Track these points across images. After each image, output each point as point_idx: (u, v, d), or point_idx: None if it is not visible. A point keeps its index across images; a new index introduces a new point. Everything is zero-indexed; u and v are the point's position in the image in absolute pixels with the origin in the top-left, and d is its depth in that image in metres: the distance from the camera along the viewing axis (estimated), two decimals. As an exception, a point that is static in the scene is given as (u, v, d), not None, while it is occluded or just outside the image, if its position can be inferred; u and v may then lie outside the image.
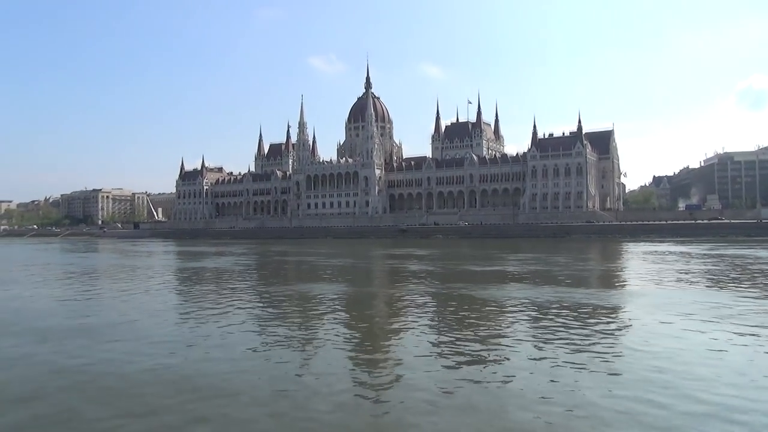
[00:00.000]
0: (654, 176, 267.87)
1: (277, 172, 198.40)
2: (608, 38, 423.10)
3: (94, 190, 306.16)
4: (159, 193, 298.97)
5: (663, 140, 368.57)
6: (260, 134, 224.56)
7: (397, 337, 21.73)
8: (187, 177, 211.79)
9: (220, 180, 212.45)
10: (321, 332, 23.03)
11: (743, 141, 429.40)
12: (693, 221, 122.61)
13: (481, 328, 22.98)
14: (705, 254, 62.88)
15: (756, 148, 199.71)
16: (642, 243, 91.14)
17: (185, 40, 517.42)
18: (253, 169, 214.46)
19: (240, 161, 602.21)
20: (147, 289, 39.11)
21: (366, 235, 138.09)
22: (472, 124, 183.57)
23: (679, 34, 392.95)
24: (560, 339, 19.82)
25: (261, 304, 31.09)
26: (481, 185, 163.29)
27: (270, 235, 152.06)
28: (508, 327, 22.94)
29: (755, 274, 41.11)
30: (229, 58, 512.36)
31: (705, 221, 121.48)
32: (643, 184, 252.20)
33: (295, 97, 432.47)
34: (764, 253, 61.57)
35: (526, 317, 24.84)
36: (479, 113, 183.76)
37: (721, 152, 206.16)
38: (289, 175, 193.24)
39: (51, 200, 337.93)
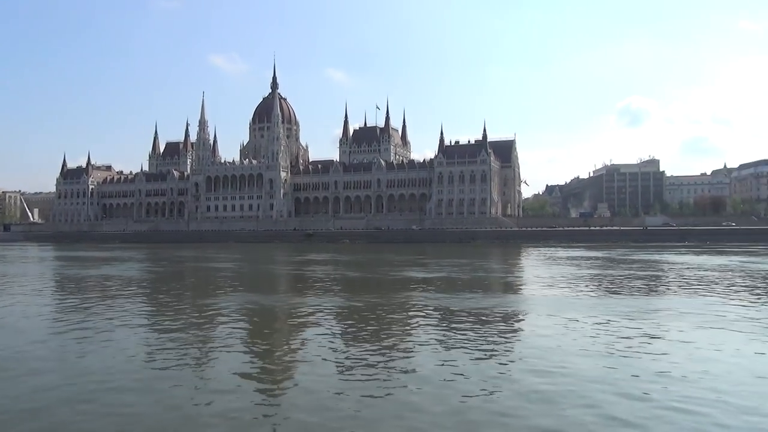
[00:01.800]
0: (547, 185, 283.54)
1: (174, 172, 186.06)
2: (505, 54, 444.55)
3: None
4: (35, 193, 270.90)
5: (554, 152, 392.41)
6: (156, 132, 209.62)
7: (298, 348, 20.40)
8: (69, 175, 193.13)
9: (109, 179, 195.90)
10: (217, 345, 20.65)
11: (625, 154, 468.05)
12: (587, 227, 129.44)
13: (384, 335, 22.18)
14: (605, 258, 65.16)
15: (638, 161, 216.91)
16: (546, 248, 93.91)
17: (71, 26, 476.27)
18: (146, 168, 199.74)
19: (131, 160, 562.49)
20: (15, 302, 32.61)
21: (270, 240, 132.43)
22: (380, 129, 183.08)
23: (568, 54, 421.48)
24: (461, 345, 19.58)
25: (150, 318, 26.50)
26: (388, 190, 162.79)
27: (165, 239, 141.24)
28: (410, 333, 22.46)
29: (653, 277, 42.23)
30: (121, 50, 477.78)
31: (597, 228, 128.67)
32: (536, 193, 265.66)
33: (195, 95, 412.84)
34: (657, 257, 65.02)
35: (430, 323, 24.35)
36: (387, 119, 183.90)
37: (609, 164, 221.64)
38: (188, 175, 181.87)
39: None
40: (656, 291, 36.02)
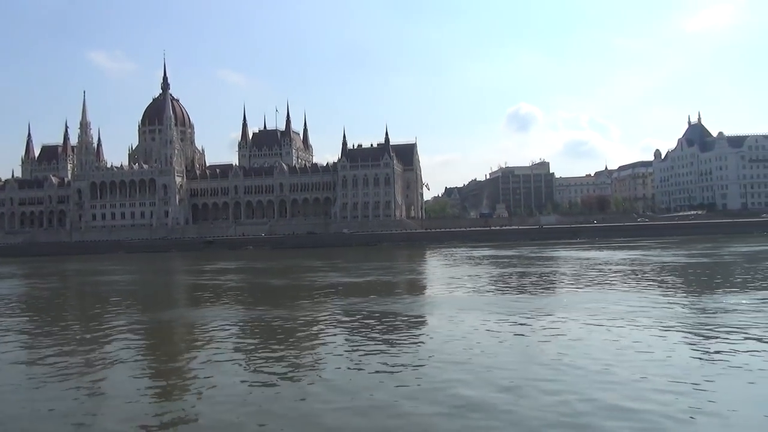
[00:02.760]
0: (446, 188, 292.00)
1: (53, 178, 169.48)
2: (404, 60, 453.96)
3: None
4: None
5: (450, 155, 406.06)
6: (29, 134, 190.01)
7: (199, 366, 18.93)
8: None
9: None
10: (110, 364, 19.17)
11: (516, 157, 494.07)
12: (488, 228, 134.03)
13: (290, 345, 21.59)
14: (508, 256, 67.16)
15: (530, 164, 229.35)
16: (451, 248, 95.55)
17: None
18: (19, 174, 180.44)
19: (1, 165, 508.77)
20: None
21: (167, 249, 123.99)
22: (281, 132, 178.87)
23: (463, 63, 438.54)
24: (371, 350, 19.40)
25: (34, 341, 22.71)
26: (291, 194, 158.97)
27: (45, 252, 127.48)
28: (317, 341, 22.10)
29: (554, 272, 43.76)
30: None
31: (497, 228, 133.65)
32: (436, 195, 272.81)
33: (74, 94, 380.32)
34: (557, 253, 68.06)
35: (338, 330, 24.06)
36: (288, 122, 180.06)
37: (504, 167, 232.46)
38: (68, 181, 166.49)
39: None
40: (559, 286, 37.21)
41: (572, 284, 37.76)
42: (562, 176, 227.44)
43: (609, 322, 22.36)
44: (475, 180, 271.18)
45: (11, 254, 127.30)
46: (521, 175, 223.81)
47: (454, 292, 35.58)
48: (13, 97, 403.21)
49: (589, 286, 35.97)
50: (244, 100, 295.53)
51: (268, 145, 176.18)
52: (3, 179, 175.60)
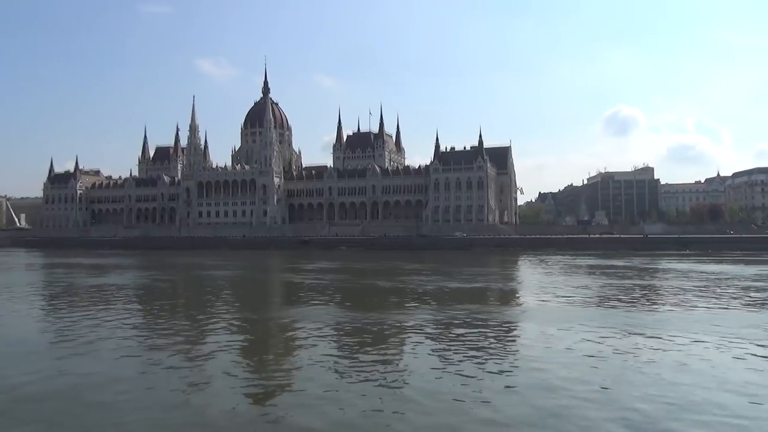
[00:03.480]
0: (540, 193, 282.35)
1: (165, 177, 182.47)
2: (497, 61, 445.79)
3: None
4: (22, 197, 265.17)
5: (543, 159, 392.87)
6: (145, 136, 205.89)
7: (292, 360, 20.07)
8: (57, 180, 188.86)
9: (97, 184, 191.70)
10: (212, 358, 19.49)
11: (614, 162, 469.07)
12: (586, 235, 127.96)
13: (383, 347, 21.73)
14: (612, 266, 63.46)
15: (632, 169, 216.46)
16: (548, 255, 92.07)
17: (59, 29, 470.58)
18: (136, 173, 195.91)
19: (121, 165, 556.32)
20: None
21: (265, 247, 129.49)
22: (375, 134, 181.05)
23: (558, 63, 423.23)
24: (463, 359, 19.07)
25: (146, 329, 24.22)
26: (383, 196, 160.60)
27: (156, 246, 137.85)
28: (406, 346, 21.92)
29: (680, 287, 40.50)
30: (110, 53, 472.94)
31: (597, 235, 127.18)
32: (529, 200, 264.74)
33: (184, 99, 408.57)
34: (673, 266, 63.43)
35: (430, 335, 23.83)
36: (381, 124, 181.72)
37: (603, 172, 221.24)
38: (179, 181, 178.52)
39: None
40: (679, 302, 34.35)
41: (701, 300, 34.59)
42: (668, 182, 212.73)
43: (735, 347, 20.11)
44: (572, 185, 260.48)
45: (129, 247, 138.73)
46: (622, 180, 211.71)
47: (566, 302, 34.01)
48: (133, 102, 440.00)
49: (720, 303, 32.85)
50: (339, 104, 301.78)
51: (361, 147, 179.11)
52: (123, 178, 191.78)
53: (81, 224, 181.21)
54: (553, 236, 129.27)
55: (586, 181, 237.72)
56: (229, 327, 26.14)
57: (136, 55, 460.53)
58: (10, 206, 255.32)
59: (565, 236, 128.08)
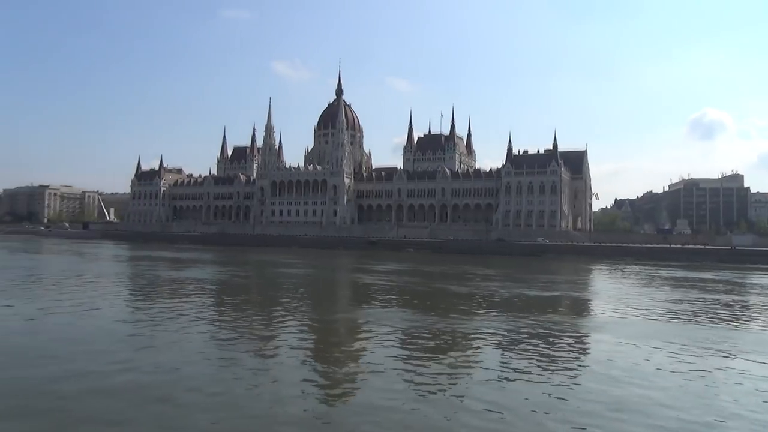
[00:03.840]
0: (616, 199, 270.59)
1: (241, 176, 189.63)
2: (571, 63, 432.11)
3: (40, 186, 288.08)
4: (112, 193, 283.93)
5: (619, 164, 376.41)
6: (224, 136, 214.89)
7: (358, 362, 20.37)
8: (143, 177, 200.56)
9: (179, 182, 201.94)
10: (280, 355, 20.20)
11: (697, 168, 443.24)
12: (667, 245, 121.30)
13: (450, 353, 21.46)
14: (698, 279, 59.67)
15: (720, 176, 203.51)
16: (626, 265, 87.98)
17: (145, 36, 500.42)
18: (215, 172, 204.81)
19: (201, 163, 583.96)
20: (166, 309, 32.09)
21: (334, 246, 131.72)
22: (445, 137, 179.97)
23: (635, 64, 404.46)
24: (528, 376, 18.10)
25: (224, 323, 24.99)
26: (453, 199, 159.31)
27: (232, 242, 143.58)
28: (478, 354, 21.43)
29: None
30: (191, 57, 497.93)
31: (679, 245, 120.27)
32: (604, 207, 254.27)
33: (260, 100, 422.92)
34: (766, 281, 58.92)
35: (501, 344, 23.30)
36: (453, 126, 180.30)
37: (686, 178, 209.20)
38: (254, 179, 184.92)
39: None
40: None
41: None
42: (759, 191, 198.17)
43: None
44: (651, 192, 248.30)
45: (206, 242, 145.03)
46: (707, 188, 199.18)
47: (650, 315, 32.28)
48: (214, 103, 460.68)
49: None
50: (411, 106, 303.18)
51: (432, 150, 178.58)
52: (203, 176, 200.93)
53: (163, 219, 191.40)
54: (631, 245, 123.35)
55: (667, 188, 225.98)
56: (301, 326, 26.67)
57: (218, 59, 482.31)
58: (101, 201, 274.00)
59: (645, 245, 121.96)
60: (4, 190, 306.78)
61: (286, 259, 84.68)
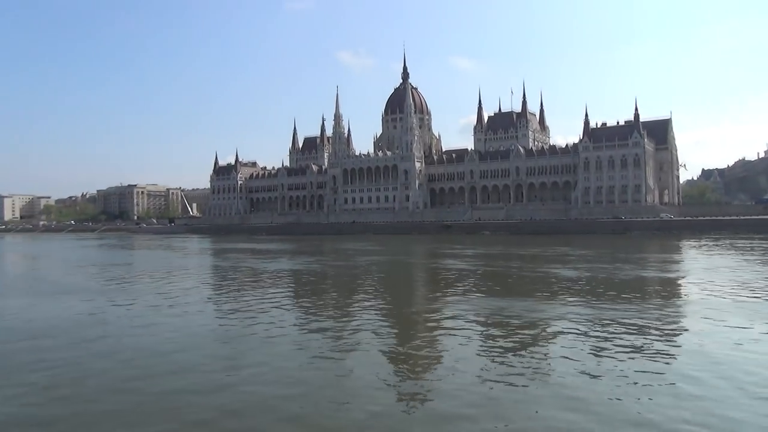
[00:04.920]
0: (703, 169, 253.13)
1: (313, 166, 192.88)
2: (645, 29, 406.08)
3: (129, 185, 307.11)
4: (193, 189, 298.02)
5: (702, 133, 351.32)
6: (294, 128, 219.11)
7: (439, 352, 19.83)
8: (221, 172, 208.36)
9: (254, 175, 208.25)
10: (360, 347, 18.35)
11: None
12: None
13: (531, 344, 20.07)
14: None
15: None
16: (726, 239, 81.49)
17: (216, 35, 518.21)
18: (287, 163, 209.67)
19: (274, 156, 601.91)
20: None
21: (407, 232, 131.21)
22: (517, 114, 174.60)
23: (718, 22, 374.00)
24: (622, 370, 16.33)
25: (307, 314, 24.77)
26: (528, 178, 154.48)
27: (307, 231, 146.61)
28: (570, 347, 19.36)
29: None
30: (259, 52, 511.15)
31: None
32: (690, 178, 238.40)
33: (327, 91, 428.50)
34: None
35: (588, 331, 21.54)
36: (524, 102, 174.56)
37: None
38: (325, 169, 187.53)
39: (87, 196, 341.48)
40: None
41: None
42: None
43: None
44: (743, 159, 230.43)
45: (283, 233, 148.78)
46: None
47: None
48: (284, 96, 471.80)
49: None
50: (478, 84, 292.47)
51: (503, 128, 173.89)
52: (276, 168, 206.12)
53: (242, 212, 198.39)
54: (726, 218, 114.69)
55: (762, 154, 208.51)
56: (381, 317, 26.09)
57: (285, 51, 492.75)
58: (183, 197, 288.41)
59: (742, 217, 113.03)
60: (98, 191, 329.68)
61: (363, 247, 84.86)
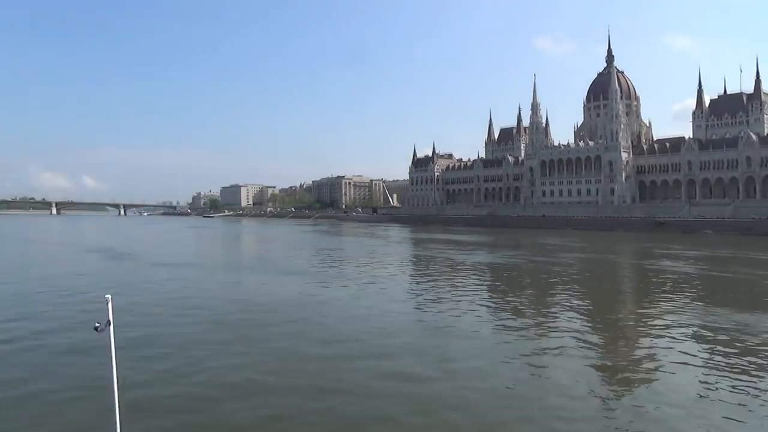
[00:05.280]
0: None
1: (509, 157, 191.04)
2: None
3: (338, 177, 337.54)
4: (393, 180, 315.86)
5: None
6: (490, 119, 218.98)
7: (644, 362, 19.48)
8: (419, 164, 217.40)
9: (450, 167, 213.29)
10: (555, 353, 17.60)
11: None
12: None
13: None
14: None
15: None
16: None
17: (410, 30, 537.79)
18: (482, 155, 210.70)
19: (469, 147, 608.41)
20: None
21: (612, 228, 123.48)
22: (748, 95, 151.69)
23: None
24: None
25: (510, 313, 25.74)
26: (762, 171, 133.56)
27: (503, 224, 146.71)
28: None
29: None
30: (453, 44, 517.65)
31: None
32: None
33: (523, 80, 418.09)
34: None
35: None
36: (758, 81, 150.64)
37: None
38: (521, 160, 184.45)
39: (304, 186, 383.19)
40: None
41: None
42: None
43: None
44: None
45: (478, 224, 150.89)
46: None
47: None
48: (480, 87, 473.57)
49: None
50: (699, 64, 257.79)
51: (729, 112, 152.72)
52: (471, 160, 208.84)
53: (438, 203, 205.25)
54: None
55: None
56: (586, 321, 25.88)
57: (481, 42, 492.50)
58: (385, 188, 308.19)
59: None
60: (313, 181, 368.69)
61: (564, 242, 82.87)
